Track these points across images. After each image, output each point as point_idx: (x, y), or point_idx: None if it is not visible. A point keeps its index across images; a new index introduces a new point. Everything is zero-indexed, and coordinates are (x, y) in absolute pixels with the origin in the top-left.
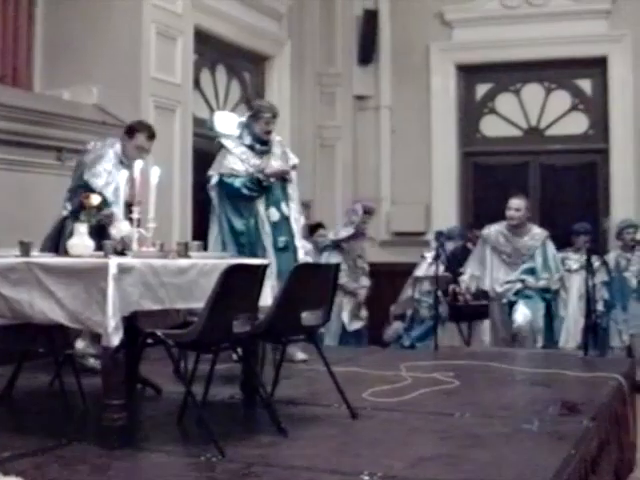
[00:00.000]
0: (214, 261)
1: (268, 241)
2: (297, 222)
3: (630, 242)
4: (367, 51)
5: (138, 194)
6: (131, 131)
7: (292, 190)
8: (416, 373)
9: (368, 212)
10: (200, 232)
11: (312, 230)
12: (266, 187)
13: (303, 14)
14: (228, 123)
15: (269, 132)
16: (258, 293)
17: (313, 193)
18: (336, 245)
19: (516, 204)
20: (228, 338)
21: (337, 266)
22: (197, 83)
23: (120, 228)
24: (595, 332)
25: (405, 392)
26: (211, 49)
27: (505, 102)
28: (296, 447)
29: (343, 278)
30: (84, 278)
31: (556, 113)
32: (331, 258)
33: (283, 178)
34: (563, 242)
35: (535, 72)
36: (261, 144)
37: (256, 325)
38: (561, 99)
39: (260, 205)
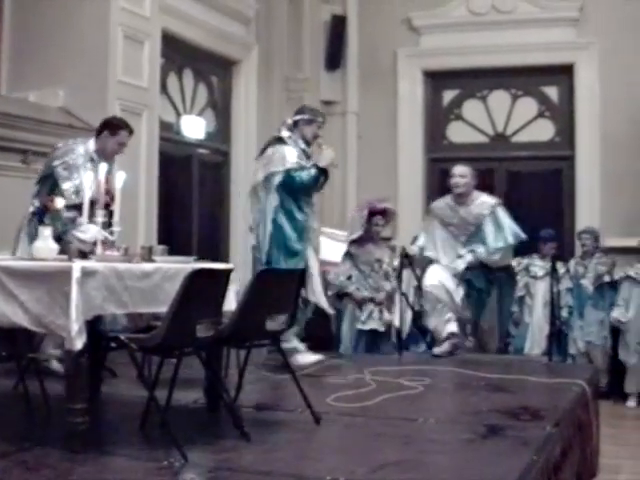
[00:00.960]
0: (178, 265)
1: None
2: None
3: (584, 248)
4: (335, 56)
5: (102, 197)
6: (114, 128)
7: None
8: (380, 378)
9: (379, 213)
10: (166, 236)
11: None
12: (323, 182)
13: (271, 19)
14: (195, 127)
15: (317, 137)
16: (222, 298)
17: None
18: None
19: (460, 170)
20: (192, 342)
21: (302, 272)
22: (164, 87)
23: (93, 233)
24: (559, 338)
25: (369, 397)
26: (178, 53)
27: (472, 108)
28: (259, 452)
29: (351, 286)
30: (48, 282)
31: (522, 120)
32: (341, 266)
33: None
34: (529, 249)
35: (502, 79)
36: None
37: (220, 330)
38: (527, 106)
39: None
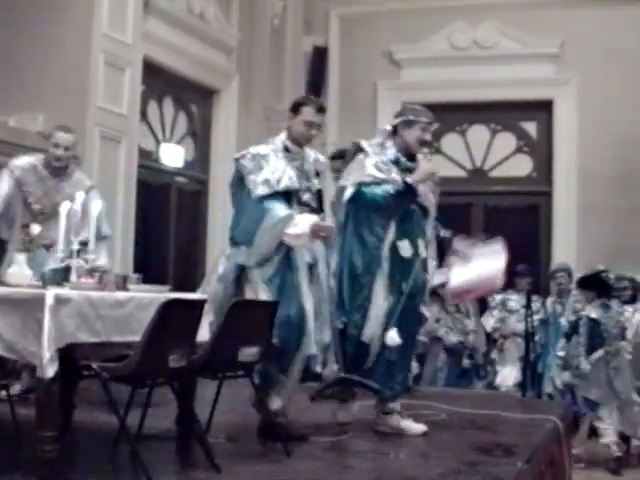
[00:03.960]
0: (152, 295)
1: (382, 278)
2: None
3: (560, 286)
4: (315, 87)
5: (78, 225)
6: (295, 107)
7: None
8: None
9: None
10: (142, 264)
11: None
12: (412, 200)
13: (253, 48)
14: (174, 155)
15: (425, 143)
16: (196, 328)
17: None
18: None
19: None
20: (164, 372)
21: (275, 303)
22: (144, 114)
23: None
24: (533, 372)
25: (342, 431)
26: (159, 80)
27: (450, 142)
28: None
29: (441, 329)
30: (21, 308)
31: (501, 155)
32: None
33: (419, 204)
34: (505, 284)
35: (481, 114)
36: (408, 158)
37: (192, 360)
38: (506, 141)
39: (390, 231)
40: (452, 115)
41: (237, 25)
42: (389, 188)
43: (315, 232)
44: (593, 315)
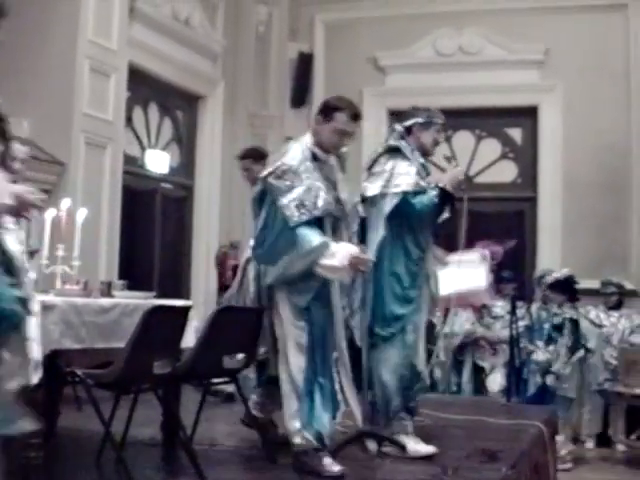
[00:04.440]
0: (137, 301)
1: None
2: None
3: (544, 292)
4: (300, 94)
5: (63, 232)
6: (327, 111)
7: None
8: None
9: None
10: (127, 270)
11: None
12: (450, 208)
13: (238, 55)
14: (159, 161)
15: (438, 144)
16: (180, 335)
17: (242, 234)
18: None
19: None
20: (148, 379)
21: (259, 310)
22: (129, 120)
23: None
24: (518, 378)
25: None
26: (145, 86)
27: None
28: None
29: (479, 329)
30: None
31: (486, 161)
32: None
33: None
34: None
35: (466, 120)
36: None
37: (177, 367)
38: (491, 147)
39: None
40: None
41: (222, 31)
42: (433, 196)
43: (354, 265)
44: (574, 316)
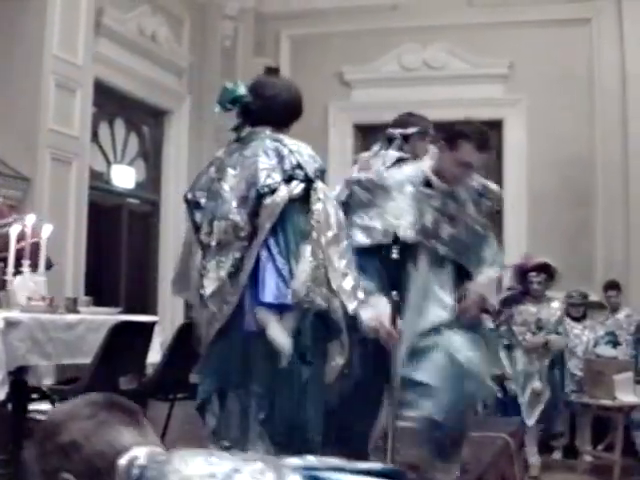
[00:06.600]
0: (103, 317)
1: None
2: None
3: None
4: None
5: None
6: (451, 138)
7: None
8: None
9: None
10: (94, 286)
11: None
12: None
13: (204, 70)
14: (125, 177)
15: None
16: (146, 350)
17: None
18: None
19: None
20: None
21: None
22: (95, 136)
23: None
24: None
25: None
26: (110, 102)
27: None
28: None
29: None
30: None
31: None
32: None
33: None
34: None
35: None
36: None
37: (143, 382)
38: None
39: None
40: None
41: (188, 46)
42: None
43: (378, 332)
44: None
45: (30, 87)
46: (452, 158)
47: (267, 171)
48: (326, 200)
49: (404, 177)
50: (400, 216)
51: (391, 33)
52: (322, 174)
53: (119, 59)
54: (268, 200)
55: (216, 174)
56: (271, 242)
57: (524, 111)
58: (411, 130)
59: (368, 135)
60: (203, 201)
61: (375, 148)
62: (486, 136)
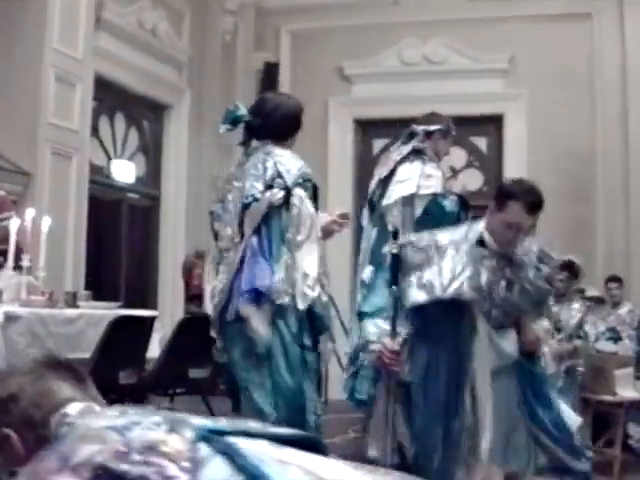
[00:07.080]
0: (102, 311)
1: None
2: None
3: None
4: None
5: (28, 243)
6: (500, 197)
7: None
8: None
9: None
10: (94, 280)
11: None
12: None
13: (204, 64)
14: (125, 171)
15: (448, 154)
16: (145, 345)
17: (208, 243)
18: None
19: None
20: (115, 389)
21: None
22: (95, 130)
23: None
24: None
25: None
26: (110, 96)
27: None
28: None
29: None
30: None
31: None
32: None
33: None
34: None
35: None
36: None
37: (142, 377)
38: (457, 156)
39: None
40: (403, 130)
41: (188, 41)
42: (455, 202)
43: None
44: None
45: (30, 81)
46: (501, 219)
47: (252, 182)
48: (301, 206)
49: (460, 236)
50: (457, 273)
51: (391, 28)
52: (307, 182)
53: (119, 53)
54: (251, 208)
55: (227, 186)
56: (254, 243)
57: (524, 106)
58: (433, 127)
59: (368, 130)
60: (220, 212)
61: (397, 144)
62: (536, 196)
